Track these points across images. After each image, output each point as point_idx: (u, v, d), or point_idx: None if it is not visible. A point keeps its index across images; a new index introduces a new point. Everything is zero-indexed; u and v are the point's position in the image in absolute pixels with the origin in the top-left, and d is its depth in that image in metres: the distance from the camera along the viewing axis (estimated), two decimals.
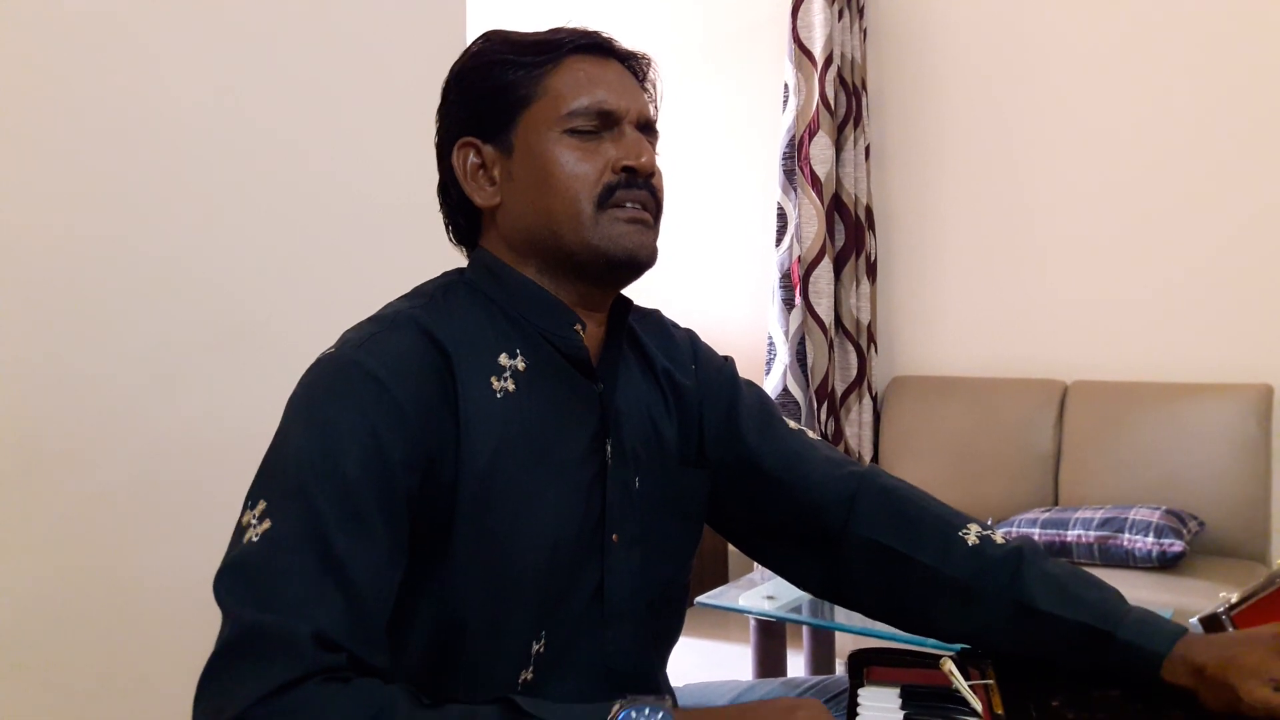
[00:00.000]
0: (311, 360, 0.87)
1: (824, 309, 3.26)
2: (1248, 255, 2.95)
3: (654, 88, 1.01)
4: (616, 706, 0.75)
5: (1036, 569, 0.99)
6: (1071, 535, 2.67)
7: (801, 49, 3.28)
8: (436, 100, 0.99)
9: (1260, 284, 2.93)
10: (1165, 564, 2.56)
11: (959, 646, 1.04)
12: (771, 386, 3.24)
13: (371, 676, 0.75)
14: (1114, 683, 0.95)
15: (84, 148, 1.44)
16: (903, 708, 0.92)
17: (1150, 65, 3.07)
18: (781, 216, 3.31)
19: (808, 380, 3.24)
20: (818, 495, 1.04)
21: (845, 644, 2.37)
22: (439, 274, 0.98)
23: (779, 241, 3.31)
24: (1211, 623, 0.99)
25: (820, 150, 3.24)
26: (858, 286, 3.37)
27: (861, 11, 3.41)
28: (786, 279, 3.28)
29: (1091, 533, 2.65)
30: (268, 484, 0.81)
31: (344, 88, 1.76)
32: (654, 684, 1.01)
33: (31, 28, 1.39)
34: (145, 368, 1.50)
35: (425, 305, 0.90)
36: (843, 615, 2.14)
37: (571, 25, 0.96)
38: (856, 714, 0.91)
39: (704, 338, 1.14)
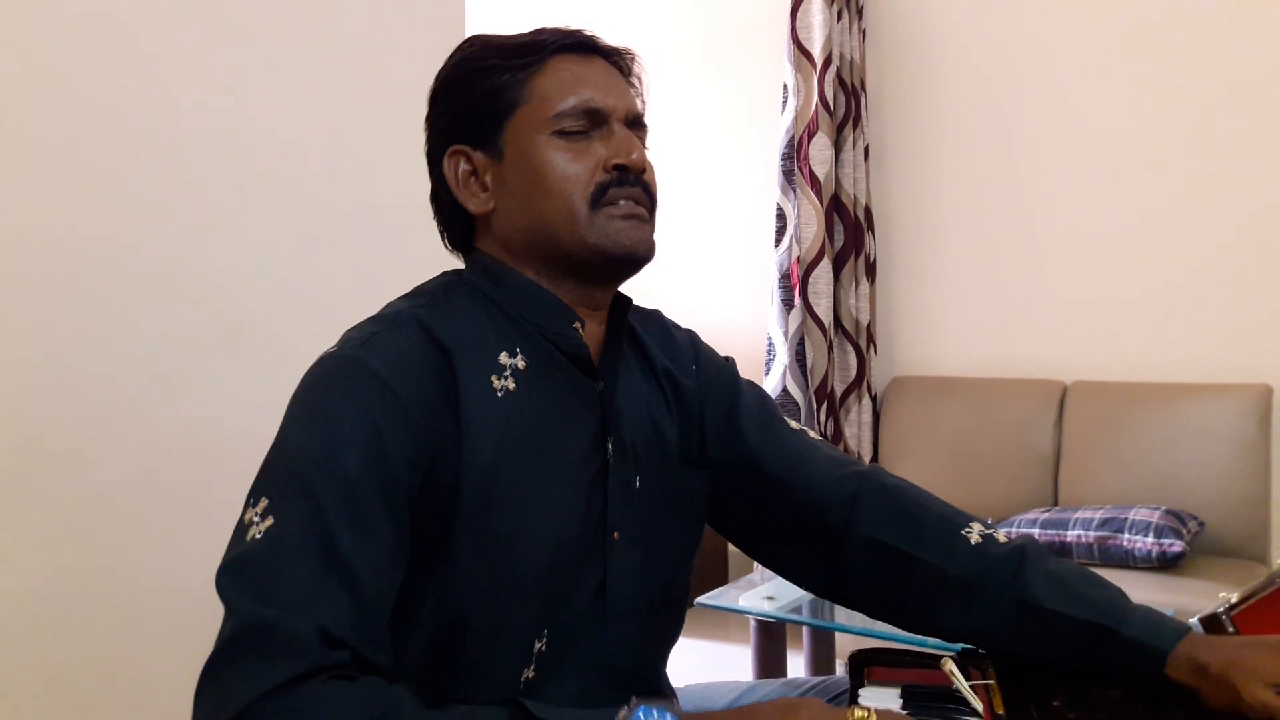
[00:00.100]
0: (311, 360, 0.87)
1: (823, 309, 3.26)
2: (1247, 255, 2.95)
3: (640, 82, 1.00)
4: (624, 711, 0.75)
5: (1039, 567, 0.99)
6: (1071, 535, 2.67)
7: (800, 49, 3.28)
8: None
9: (1260, 284, 2.93)
10: (1165, 564, 2.57)
11: (960, 646, 1.04)
12: (771, 387, 3.24)
13: (374, 674, 0.75)
14: (1115, 683, 0.95)
15: (84, 148, 1.44)
16: (904, 708, 0.92)
17: (1150, 65, 3.07)
18: (780, 217, 3.31)
19: (807, 381, 3.24)
20: (819, 495, 1.04)
21: (845, 644, 2.37)
22: (438, 274, 0.98)
23: (778, 242, 3.31)
24: (1212, 623, 0.99)
25: (819, 151, 3.24)
26: (857, 287, 3.38)
27: (860, 12, 3.41)
28: (786, 279, 3.28)
29: (1091, 533, 2.65)
30: (270, 481, 0.81)
31: (344, 88, 1.76)
32: (655, 682, 1.01)
33: (31, 28, 1.39)
34: (145, 368, 1.50)
35: (426, 305, 0.90)
36: (843, 616, 2.14)
37: (554, 25, 0.96)
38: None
39: (704, 338, 1.14)
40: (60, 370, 1.41)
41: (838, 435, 3.34)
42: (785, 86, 3.32)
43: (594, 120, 0.92)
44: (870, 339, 3.43)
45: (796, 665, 2.44)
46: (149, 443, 1.50)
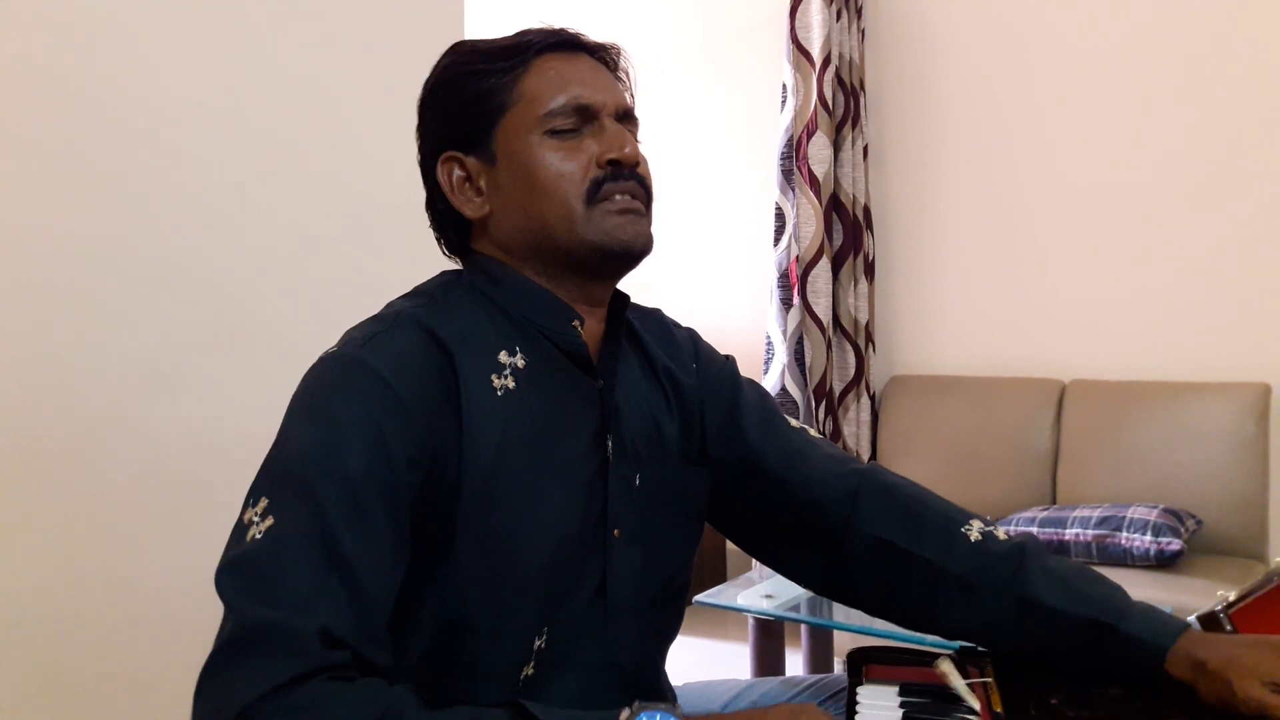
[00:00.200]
0: (311, 360, 0.88)
1: (822, 308, 3.26)
2: (1246, 255, 2.95)
3: (627, 76, 1.00)
4: (626, 713, 0.75)
5: (1039, 564, 0.99)
6: (1069, 534, 2.68)
7: (800, 49, 3.28)
8: None
9: (1259, 284, 2.93)
10: (1163, 562, 2.57)
11: (960, 644, 1.05)
12: (770, 386, 3.24)
13: (375, 675, 0.75)
14: (1114, 681, 0.95)
15: (84, 148, 1.44)
16: (901, 706, 0.92)
17: (1150, 65, 3.07)
18: (779, 216, 3.31)
19: (806, 380, 3.24)
20: (819, 492, 1.04)
21: (844, 642, 2.37)
22: (437, 274, 0.99)
23: (777, 241, 3.32)
24: (1209, 621, 0.99)
25: (818, 150, 3.24)
26: (856, 286, 3.38)
27: (859, 12, 3.41)
28: (784, 279, 3.28)
29: (1089, 531, 2.65)
30: (270, 481, 0.81)
31: (344, 88, 1.77)
32: (656, 679, 1.01)
33: (31, 28, 1.39)
34: (145, 368, 1.50)
35: (426, 304, 0.90)
36: (841, 614, 2.15)
37: (537, 26, 0.96)
38: (856, 713, 0.92)
39: (703, 337, 1.14)
40: (60, 370, 1.41)
41: (836, 434, 3.35)
42: (784, 86, 3.32)
43: (584, 117, 0.93)
44: (869, 338, 3.43)
45: (795, 663, 2.44)
46: (149, 442, 1.50)
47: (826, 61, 3.23)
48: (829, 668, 2.38)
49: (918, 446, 3.29)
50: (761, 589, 2.30)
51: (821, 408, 3.29)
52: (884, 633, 1.81)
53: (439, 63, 0.96)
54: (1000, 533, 1.03)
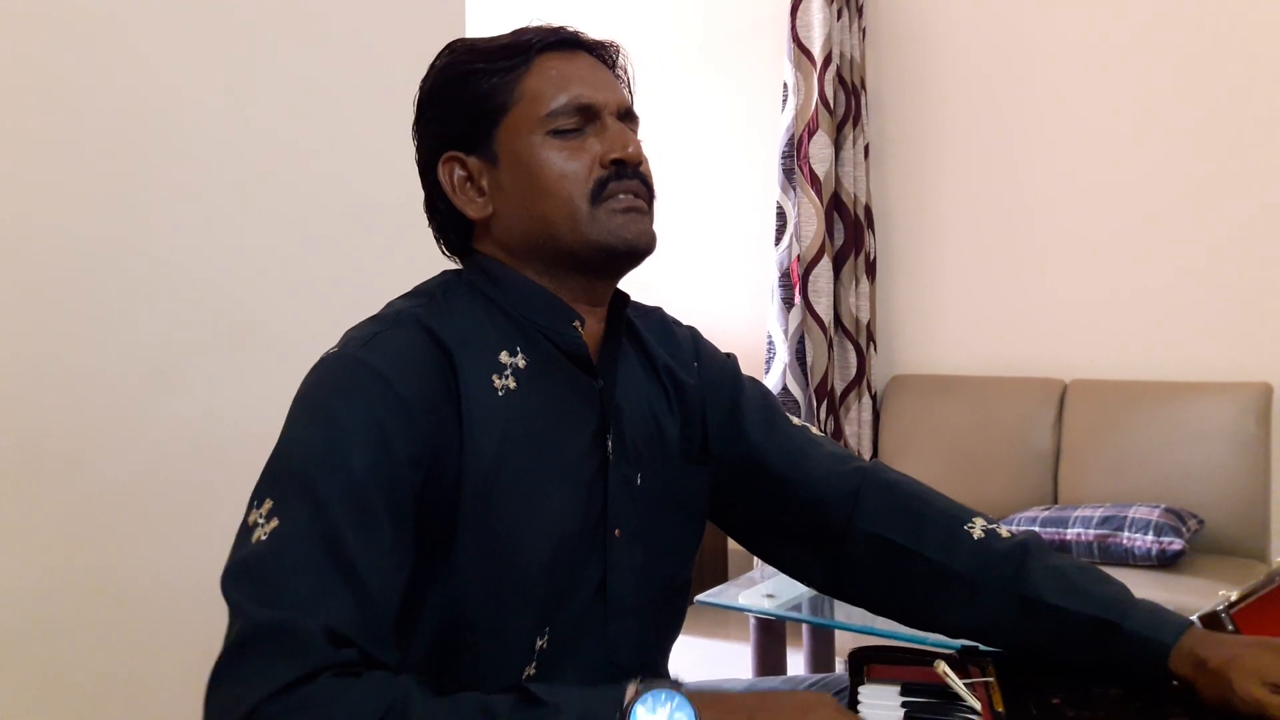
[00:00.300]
0: (312, 360, 0.87)
1: (823, 308, 3.26)
2: (1247, 254, 2.95)
3: (626, 74, 1.00)
4: (631, 690, 0.75)
5: (1042, 562, 0.99)
6: (1071, 534, 2.67)
7: (800, 48, 3.28)
8: None
9: (1260, 283, 2.93)
10: (1164, 562, 2.57)
11: (962, 642, 1.04)
12: (771, 385, 3.24)
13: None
14: (1115, 681, 0.95)
15: (84, 148, 1.44)
16: (903, 705, 0.92)
17: (1150, 65, 3.07)
18: (781, 215, 3.31)
19: (807, 379, 3.24)
20: (821, 491, 1.04)
21: (845, 642, 2.37)
22: (437, 274, 0.98)
23: (778, 240, 3.32)
24: (1211, 621, 0.99)
25: (819, 149, 3.24)
26: (857, 285, 3.38)
27: (860, 11, 3.41)
28: (786, 278, 3.28)
29: (1091, 531, 2.65)
30: (274, 482, 0.81)
31: (344, 88, 1.76)
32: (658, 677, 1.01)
33: (31, 28, 1.39)
34: (145, 368, 1.50)
35: (426, 304, 0.90)
36: (842, 613, 2.15)
37: (535, 25, 0.95)
38: (857, 712, 0.91)
39: (703, 336, 1.14)
40: (60, 370, 1.41)
41: (838, 434, 3.35)
42: (785, 85, 3.32)
43: (586, 116, 0.92)
44: (870, 337, 3.43)
45: (796, 663, 2.44)
46: (149, 442, 1.50)
47: (827, 60, 3.23)
48: (830, 667, 2.37)
49: (919, 446, 3.29)
50: (763, 588, 2.30)
51: (823, 407, 3.29)
52: (885, 632, 1.81)
53: (436, 62, 0.96)
54: (1004, 531, 1.03)
